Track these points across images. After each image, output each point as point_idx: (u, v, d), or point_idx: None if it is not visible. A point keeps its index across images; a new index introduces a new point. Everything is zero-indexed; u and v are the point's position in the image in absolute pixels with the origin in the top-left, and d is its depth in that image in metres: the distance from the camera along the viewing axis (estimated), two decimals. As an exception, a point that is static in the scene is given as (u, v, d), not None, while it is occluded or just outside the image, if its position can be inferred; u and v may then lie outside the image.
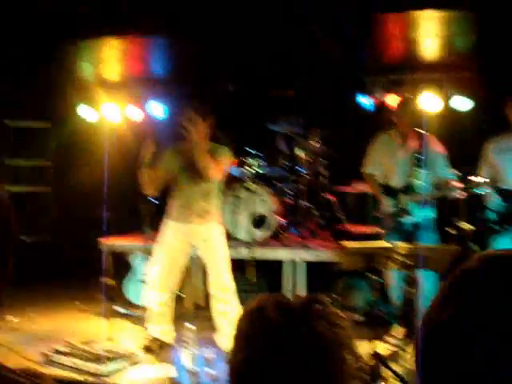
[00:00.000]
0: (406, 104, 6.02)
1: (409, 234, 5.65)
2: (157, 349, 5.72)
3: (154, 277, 5.80)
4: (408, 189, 5.79)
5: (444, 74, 8.19)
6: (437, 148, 5.87)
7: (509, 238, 5.46)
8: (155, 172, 5.64)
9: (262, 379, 1.12)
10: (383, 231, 5.92)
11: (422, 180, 5.75)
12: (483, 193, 5.36)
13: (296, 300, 1.20)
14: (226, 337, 5.58)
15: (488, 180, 5.32)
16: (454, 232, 5.64)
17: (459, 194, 5.55)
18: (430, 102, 7.96)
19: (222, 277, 5.62)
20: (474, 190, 5.33)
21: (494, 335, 0.81)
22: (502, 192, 5.51)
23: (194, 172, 5.51)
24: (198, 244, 5.71)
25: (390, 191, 5.91)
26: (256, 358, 1.12)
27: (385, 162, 6.02)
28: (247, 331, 1.17)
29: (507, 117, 5.52)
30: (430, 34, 6.95)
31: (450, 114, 8.07)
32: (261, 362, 1.11)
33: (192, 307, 7.50)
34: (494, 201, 5.51)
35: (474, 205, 5.69)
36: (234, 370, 1.17)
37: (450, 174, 5.77)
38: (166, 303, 5.75)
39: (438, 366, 0.88)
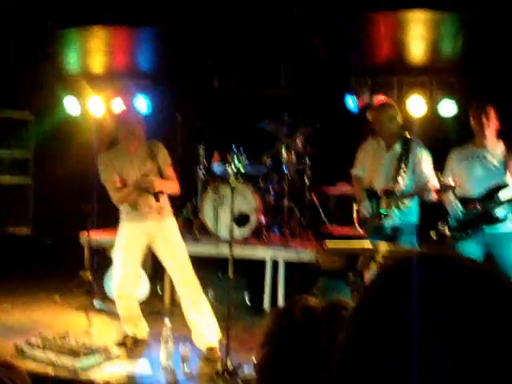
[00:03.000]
0: (376, 115, 6.00)
1: (389, 237, 5.65)
2: (131, 345, 5.66)
3: (116, 282, 5.66)
4: (390, 192, 5.78)
5: (430, 76, 8.19)
6: (421, 152, 5.85)
7: (473, 244, 5.52)
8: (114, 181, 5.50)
9: (281, 374, 1.18)
10: (364, 233, 5.90)
11: (404, 183, 5.75)
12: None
13: (322, 304, 1.25)
14: (199, 332, 5.52)
15: (456, 184, 5.38)
16: (434, 236, 5.66)
17: (434, 198, 5.60)
18: (415, 104, 7.95)
19: (188, 272, 5.56)
20: (450, 191, 5.42)
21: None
22: (462, 200, 5.56)
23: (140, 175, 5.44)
24: (157, 242, 5.61)
25: (373, 194, 5.90)
26: (278, 354, 1.19)
27: (371, 165, 6.01)
28: (273, 329, 1.24)
29: (471, 125, 5.59)
30: (417, 36, 6.95)
31: (434, 117, 8.07)
32: (281, 358, 1.19)
33: (169, 303, 7.44)
34: (456, 208, 5.58)
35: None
36: (258, 363, 1.24)
37: (433, 179, 5.78)
38: (129, 304, 5.69)
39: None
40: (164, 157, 5.56)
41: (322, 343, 1.16)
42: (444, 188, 5.46)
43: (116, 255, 5.69)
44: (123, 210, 5.62)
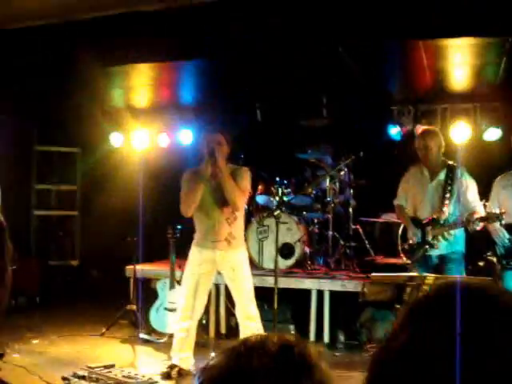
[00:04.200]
0: (417, 144, 5.92)
1: (435, 267, 5.57)
2: (176, 376, 5.65)
3: (180, 304, 5.78)
4: (435, 221, 5.70)
5: (474, 103, 8.12)
6: (467, 179, 5.78)
7: None
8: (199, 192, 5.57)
9: None
10: (410, 263, 5.82)
11: (449, 213, 5.68)
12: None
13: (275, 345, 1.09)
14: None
15: (504, 211, 5.26)
16: (482, 264, 5.56)
17: (480, 227, 5.49)
18: (460, 132, 7.88)
19: (248, 305, 5.57)
20: (497, 221, 5.30)
21: (448, 361, 0.78)
22: (508, 227, 5.45)
23: (218, 197, 5.48)
24: (225, 272, 5.66)
25: (417, 223, 5.83)
26: None
27: (414, 194, 5.95)
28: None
29: None
30: (460, 63, 6.90)
31: (478, 144, 7.97)
32: None
33: (214, 336, 7.42)
34: (502, 236, 5.46)
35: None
36: None
37: (479, 207, 5.69)
38: (189, 330, 5.69)
39: None
40: (242, 175, 5.60)
41: None
42: (491, 217, 5.36)
43: (184, 278, 5.79)
44: (199, 232, 5.69)
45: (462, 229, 5.70)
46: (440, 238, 5.65)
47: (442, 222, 5.66)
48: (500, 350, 0.76)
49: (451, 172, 5.77)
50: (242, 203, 5.55)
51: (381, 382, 0.85)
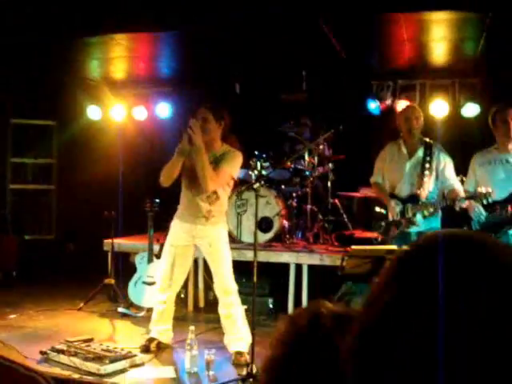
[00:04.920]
0: (404, 114, 5.95)
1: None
2: (155, 349, 5.66)
3: (159, 276, 5.77)
4: (414, 198, 5.72)
5: (453, 79, 8.14)
6: (444, 156, 5.80)
7: None
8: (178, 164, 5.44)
9: (281, 379, 1.18)
10: (388, 238, 5.85)
11: (429, 190, 5.71)
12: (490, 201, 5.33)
13: (332, 312, 1.21)
14: (231, 338, 5.52)
15: (491, 190, 5.28)
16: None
17: (466, 205, 5.51)
18: (438, 107, 7.91)
19: (226, 280, 5.56)
20: (484, 200, 5.30)
21: (435, 315, 0.75)
22: (484, 204, 5.48)
23: (195, 176, 5.37)
24: (202, 246, 5.64)
25: (396, 200, 5.85)
26: (282, 361, 1.18)
27: (392, 172, 5.97)
28: (280, 335, 1.22)
29: (491, 128, 5.55)
30: (439, 38, 6.90)
31: (456, 120, 8.01)
32: (285, 365, 1.17)
33: (193, 310, 7.45)
34: (478, 212, 5.49)
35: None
36: (262, 366, 1.24)
37: (457, 184, 5.73)
38: (167, 302, 5.69)
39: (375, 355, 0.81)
40: (228, 159, 5.48)
41: (324, 353, 1.13)
42: (479, 196, 5.36)
43: (164, 250, 5.74)
44: (180, 206, 5.65)
45: (441, 205, 5.73)
46: (419, 215, 5.69)
47: (422, 199, 5.69)
48: (488, 301, 0.75)
49: (429, 149, 5.79)
50: (211, 185, 5.30)
51: (367, 347, 0.83)
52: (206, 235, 5.55)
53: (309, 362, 1.14)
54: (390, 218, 5.85)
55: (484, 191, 5.28)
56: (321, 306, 1.22)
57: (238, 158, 5.56)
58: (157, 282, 5.91)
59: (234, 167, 5.52)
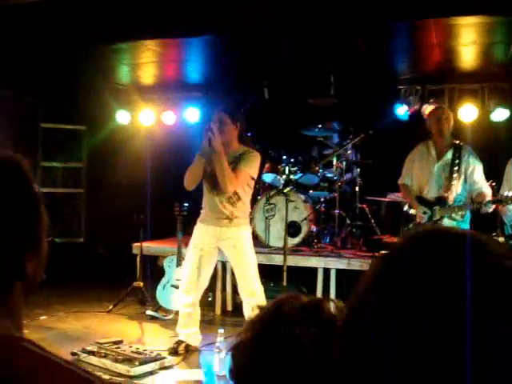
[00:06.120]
0: (435, 114, 5.93)
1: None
2: (183, 352, 5.69)
3: (184, 278, 5.80)
4: (441, 201, 5.69)
5: (482, 83, 8.09)
6: (473, 160, 5.77)
7: None
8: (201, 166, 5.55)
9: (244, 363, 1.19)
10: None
11: (457, 193, 5.68)
12: None
13: (296, 304, 1.23)
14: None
15: None
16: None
17: (493, 209, 5.48)
18: (467, 112, 7.87)
19: (251, 282, 5.58)
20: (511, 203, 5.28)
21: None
22: None
23: (216, 178, 5.45)
24: (226, 249, 5.68)
25: (423, 203, 5.82)
26: (242, 343, 1.21)
27: (420, 174, 5.95)
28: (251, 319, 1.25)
29: None
30: (469, 42, 6.86)
31: (485, 124, 7.96)
32: (244, 347, 1.20)
33: (220, 313, 7.48)
34: (510, 216, 5.45)
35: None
36: (235, 345, 1.24)
37: (486, 188, 5.69)
38: (194, 304, 5.73)
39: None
40: (246, 159, 5.54)
41: (281, 340, 1.16)
42: (504, 200, 5.33)
43: (187, 253, 5.80)
44: (204, 210, 5.71)
45: (469, 208, 5.70)
46: (447, 217, 5.66)
47: (450, 202, 5.66)
48: (484, 305, 0.72)
49: (458, 152, 5.76)
50: (231, 186, 5.38)
51: (354, 348, 0.80)
52: (230, 237, 5.59)
53: (267, 347, 1.16)
54: (418, 220, 5.83)
55: (508, 194, 5.26)
56: (293, 297, 1.24)
57: (257, 158, 5.63)
58: (181, 285, 5.95)
59: (252, 167, 5.58)
